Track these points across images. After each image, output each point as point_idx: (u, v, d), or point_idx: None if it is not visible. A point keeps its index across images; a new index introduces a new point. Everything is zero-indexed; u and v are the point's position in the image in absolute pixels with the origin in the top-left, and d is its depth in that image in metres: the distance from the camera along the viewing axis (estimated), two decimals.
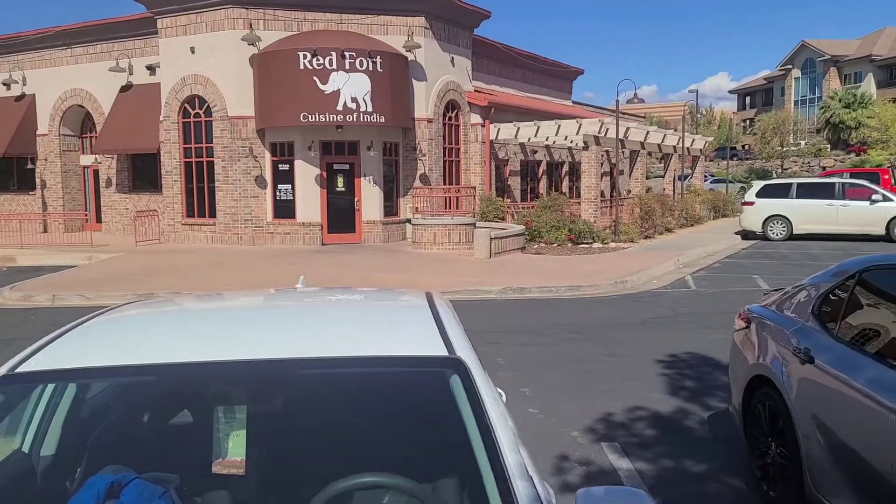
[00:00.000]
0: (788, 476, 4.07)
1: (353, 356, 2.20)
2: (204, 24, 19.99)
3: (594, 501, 1.89)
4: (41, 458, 2.38)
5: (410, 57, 20.43)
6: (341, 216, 20.14)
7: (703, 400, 6.58)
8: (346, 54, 18.81)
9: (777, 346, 4.32)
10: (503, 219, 21.81)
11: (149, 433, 2.39)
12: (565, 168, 29.46)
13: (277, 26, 19.72)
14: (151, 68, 21.99)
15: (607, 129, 21.93)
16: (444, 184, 21.84)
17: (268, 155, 20.09)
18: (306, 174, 19.83)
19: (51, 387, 2.33)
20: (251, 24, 19.42)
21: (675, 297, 12.66)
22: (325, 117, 18.83)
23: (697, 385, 7.07)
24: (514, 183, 25.92)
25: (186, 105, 20.60)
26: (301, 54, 18.69)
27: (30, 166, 25.59)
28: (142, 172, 23.60)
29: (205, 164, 20.52)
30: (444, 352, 2.21)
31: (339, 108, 18.83)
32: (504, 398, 3.49)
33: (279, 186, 20.08)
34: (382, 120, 19.41)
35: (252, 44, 19.26)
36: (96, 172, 25.07)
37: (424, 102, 20.99)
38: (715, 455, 5.26)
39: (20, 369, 2.12)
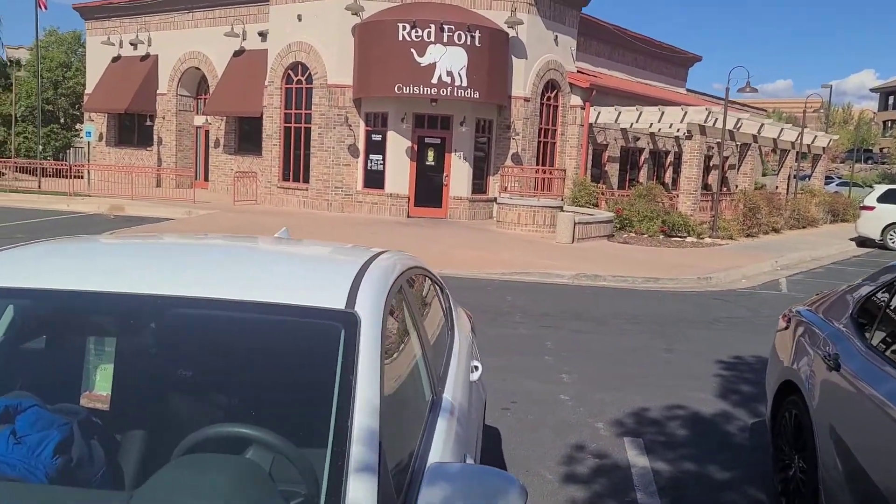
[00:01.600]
0: (805, 493, 3.67)
1: (233, 299, 2.08)
2: None
3: (445, 480, 1.70)
4: None
5: (511, 33, 20.06)
6: (429, 190, 20.16)
7: (752, 406, 6.11)
8: (445, 27, 18.68)
9: (810, 350, 3.91)
10: (596, 205, 21.20)
11: (26, 358, 2.37)
12: (670, 158, 28.28)
13: None
14: (263, 35, 22.66)
15: (715, 119, 20.80)
16: (537, 165, 21.41)
17: (362, 124, 20.33)
18: (398, 146, 19.94)
19: None
20: None
21: (761, 298, 11.89)
22: (420, 90, 18.81)
23: (752, 390, 6.57)
24: (612, 169, 25.11)
25: (290, 71, 21.11)
26: (400, 25, 18.71)
27: (148, 123, 27.08)
28: (247, 135, 24.47)
29: (303, 130, 21.01)
30: (340, 305, 2.05)
31: (434, 81, 18.76)
32: (479, 371, 3.31)
33: (371, 156, 20.31)
34: (477, 96, 19.20)
35: (355, 13, 19.44)
36: (207, 133, 26.22)
37: (522, 80, 20.60)
38: (744, 464, 4.86)
39: None
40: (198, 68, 25.72)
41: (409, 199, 20.12)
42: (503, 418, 5.55)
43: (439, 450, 2.17)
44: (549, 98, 21.90)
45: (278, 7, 21.22)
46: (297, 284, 2.27)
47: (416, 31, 18.70)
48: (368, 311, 2.07)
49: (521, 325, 8.94)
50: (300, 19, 20.53)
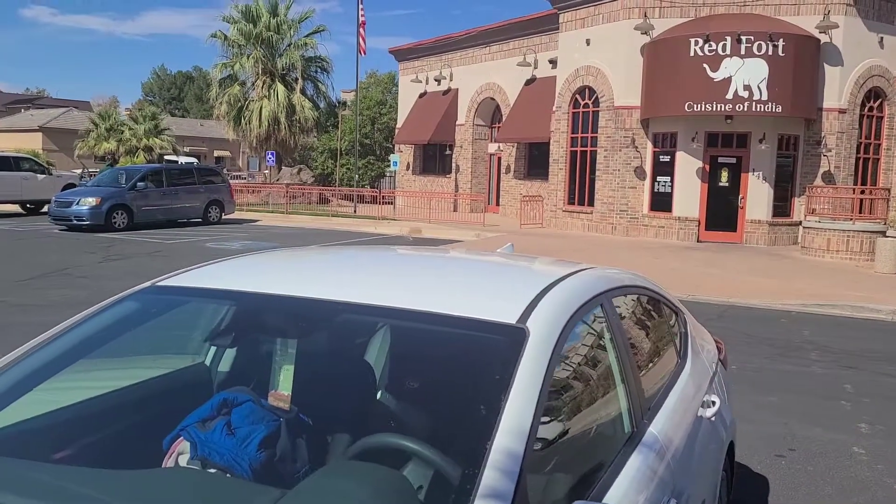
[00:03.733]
0: None
1: (401, 307, 2.05)
2: (601, 15, 20.28)
3: None
4: (217, 372, 2.68)
5: (824, 38, 17.95)
6: (722, 213, 18.75)
7: None
8: (743, 38, 17.31)
9: None
10: None
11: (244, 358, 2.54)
12: None
13: (672, 13, 19.04)
14: (553, 62, 23.13)
15: None
16: (854, 184, 18.78)
17: (649, 146, 19.64)
18: (687, 166, 18.88)
19: (212, 306, 2.58)
20: (646, 13, 19.09)
21: None
22: (713, 107, 17.64)
23: None
24: None
25: (577, 96, 21.22)
26: (693, 41, 17.77)
27: (448, 152, 29.17)
28: (536, 160, 25.10)
29: (588, 153, 20.93)
30: (511, 320, 1.89)
31: (729, 96, 17.46)
32: (716, 406, 2.87)
33: (658, 178, 19.50)
34: (779, 110, 17.44)
35: (645, 32, 18.94)
36: (499, 159, 27.45)
37: (837, 90, 18.27)
38: None
39: (159, 283, 2.42)
40: (492, 98, 27.09)
41: (700, 223, 18.90)
42: (775, 466, 4.81)
43: (624, 488, 1.88)
44: (870, 108, 19.13)
45: (567, 33, 21.51)
46: (477, 297, 2.19)
47: (710, 45, 17.62)
48: (542, 328, 1.89)
49: (817, 363, 7.78)
50: (588, 43, 20.56)
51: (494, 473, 1.48)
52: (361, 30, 29.86)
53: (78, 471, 1.96)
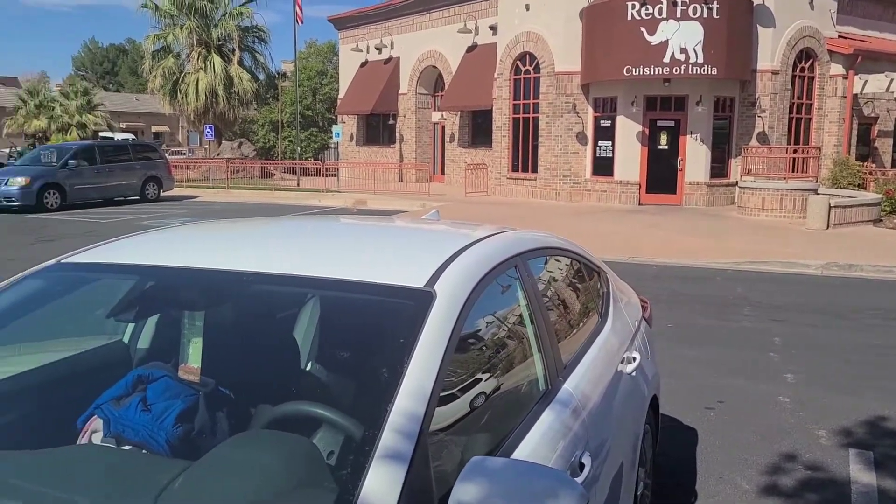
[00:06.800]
0: None
1: (312, 276, 2.06)
2: None
3: (484, 476, 1.46)
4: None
5: (756, 0, 18.26)
6: (662, 176, 19.08)
7: None
8: (678, 1, 17.50)
9: None
10: (862, 186, 18.60)
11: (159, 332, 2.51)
12: None
13: None
14: (493, 28, 23.00)
15: None
16: (788, 144, 19.30)
17: (590, 111, 19.81)
18: (627, 131, 19.13)
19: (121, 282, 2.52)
20: None
21: None
22: (651, 70, 17.85)
23: None
24: (884, 145, 21.88)
25: (518, 62, 21.19)
26: (630, 4, 17.88)
27: (391, 122, 28.90)
28: (479, 128, 25.07)
29: (531, 119, 20.99)
30: (419, 284, 1.91)
31: (666, 59, 17.68)
32: (636, 363, 2.94)
33: (599, 143, 19.71)
34: (715, 72, 17.75)
35: None
36: (443, 128, 27.31)
37: (770, 51, 18.66)
38: None
39: (65, 260, 2.36)
40: (434, 66, 26.85)
41: (640, 186, 19.22)
42: (704, 418, 4.98)
43: (533, 444, 1.92)
44: (801, 69, 19.61)
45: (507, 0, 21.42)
46: (388, 262, 2.20)
47: (647, 9, 17.76)
48: (448, 291, 1.90)
49: (748, 318, 8.04)
50: (528, 8, 20.50)
51: (393, 435, 1.49)
52: None
53: None
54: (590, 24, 18.95)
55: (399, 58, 28.26)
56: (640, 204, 18.99)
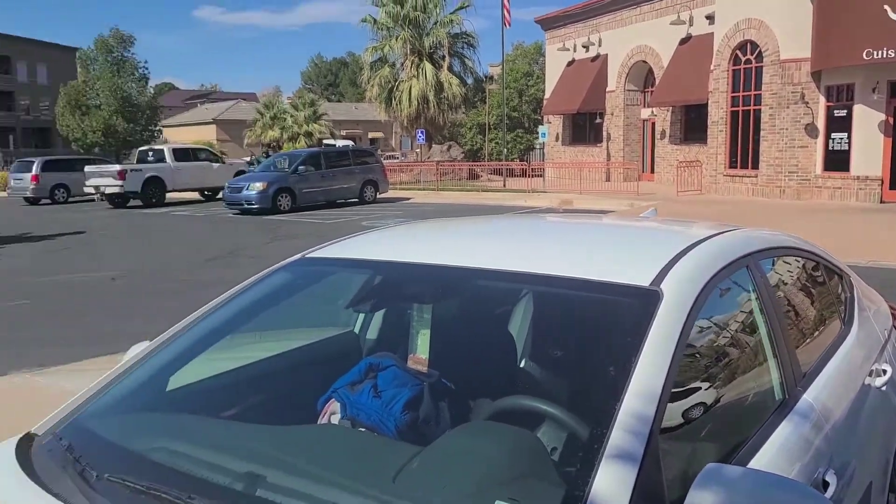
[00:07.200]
0: None
1: (536, 273, 2.04)
2: None
3: (721, 485, 1.35)
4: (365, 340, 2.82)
5: None
6: None
7: None
8: None
9: None
10: None
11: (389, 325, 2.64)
12: None
13: None
14: (710, 17, 21.81)
15: None
16: None
17: (821, 100, 18.07)
18: (867, 121, 17.19)
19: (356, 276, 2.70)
20: None
21: None
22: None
23: None
24: None
25: (738, 52, 19.88)
26: None
27: (598, 121, 28.43)
28: (692, 123, 23.90)
29: (751, 112, 19.60)
30: (644, 282, 1.83)
31: None
32: (887, 375, 2.62)
33: (832, 135, 17.92)
34: None
35: None
36: (653, 125, 26.38)
37: None
38: None
39: (308, 255, 2.56)
40: (644, 61, 26.01)
41: (883, 182, 17.20)
42: None
43: (771, 455, 1.78)
44: None
45: None
46: (609, 260, 2.14)
47: None
48: (676, 290, 1.81)
49: None
50: None
51: (623, 435, 1.45)
52: (506, 1, 29.60)
53: (243, 426, 2.12)
54: (822, 5, 17.28)
55: (607, 55, 27.72)
56: (881, 202, 17.00)
